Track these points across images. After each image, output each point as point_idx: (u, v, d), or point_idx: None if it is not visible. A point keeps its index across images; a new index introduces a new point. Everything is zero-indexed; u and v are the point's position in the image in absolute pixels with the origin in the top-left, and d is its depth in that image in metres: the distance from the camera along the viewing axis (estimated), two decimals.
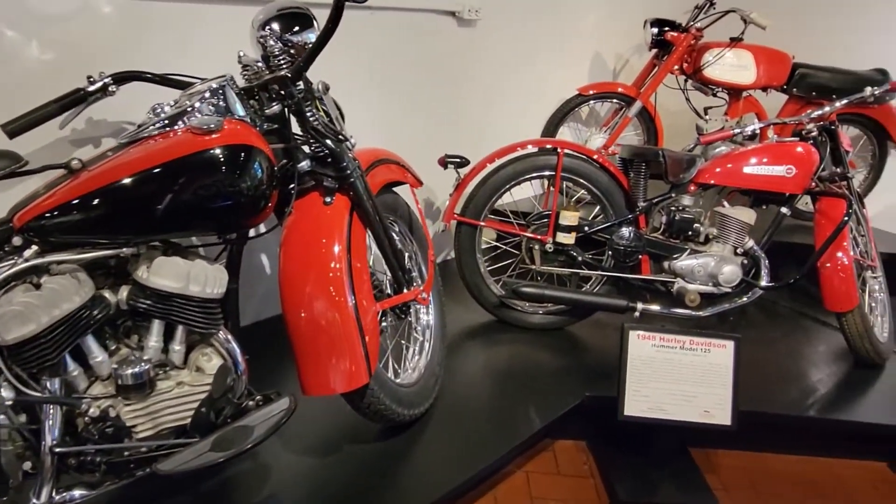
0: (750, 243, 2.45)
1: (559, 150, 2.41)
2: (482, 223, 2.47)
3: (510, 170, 2.44)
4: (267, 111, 1.55)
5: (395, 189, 2.02)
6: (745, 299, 2.43)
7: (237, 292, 1.58)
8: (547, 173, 2.44)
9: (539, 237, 2.44)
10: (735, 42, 3.03)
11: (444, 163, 2.43)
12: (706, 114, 3.21)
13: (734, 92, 3.19)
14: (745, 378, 2.31)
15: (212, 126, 1.33)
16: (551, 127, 3.24)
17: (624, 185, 2.45)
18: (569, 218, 2.38)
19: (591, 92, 3.16)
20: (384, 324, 1.85)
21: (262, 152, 1.41)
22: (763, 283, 2.40)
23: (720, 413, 2.01)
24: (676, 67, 3.15)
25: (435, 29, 2.73)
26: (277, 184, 1.50)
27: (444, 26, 2.76)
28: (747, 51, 3.06)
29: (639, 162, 2.41)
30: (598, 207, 2.52)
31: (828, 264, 2.40)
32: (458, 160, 2.43)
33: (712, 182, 2.41)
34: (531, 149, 2.46)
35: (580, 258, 2.45)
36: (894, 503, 2.19)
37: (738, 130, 2.45)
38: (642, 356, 2.02)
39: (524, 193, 2.85)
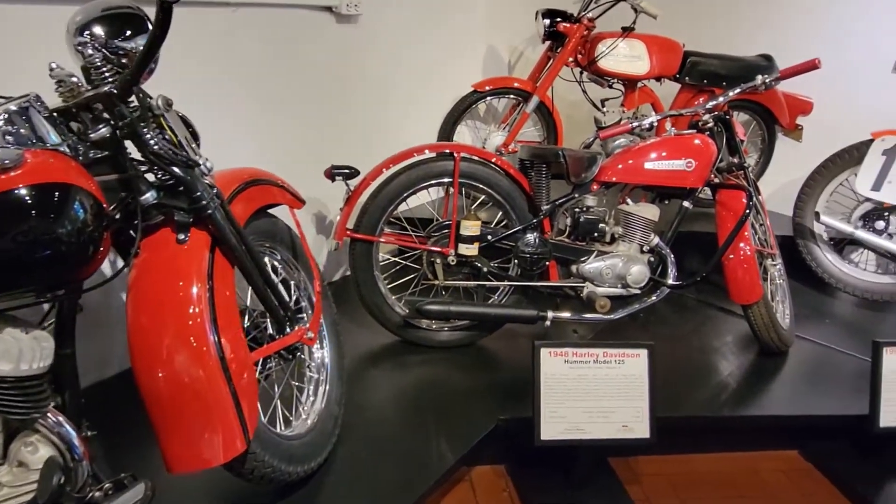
0: (655, 240, 2.38)
1: (455, 154, 2.24)
2: (378, 238, 2.26)
3: (404, 178, 2.24)
4: (93, 136, 1.26)
5: (273, 212, 1.78)
6: (654, 298, 2.36)
7: (73, 357, 1.29)
8: (445, 180, 2.27)
9: (440, 249, 2.27)
10: (627, 32, 2.97)
11: (330, 175, 2.20)
12: (603, 106, 3.15)
13: (629, 83, 3.14)
14: (661, 380, 2.25)
15: (7, 162, 1.05)
16: (448, 127, 3.08)
17: (525, 187, 2.32)
18: (470, 228, 2.21)
19: (486, 88, 3.02)
20: (270, 366, 1.61)
21: (82, 189, 1.14)
22: (670, 281, 2.35)
23: (639, 426, 1.92)
24: (571, 59, 3.06)
25: (311, 26, 2.48)
26: (111, 223, 1.23)
27: (321, 23, 2.51)
28: (639, 40, 3.01)
29: (539, 163, 2.28)
30: (501, 212, 2.38)
31: (731, 256, 2.37)
32: (346, 171, 2.21)
33: (614, 180, 2.32)
34: (427, 154, 2.28)
35: (485, 269, 2.30)
36: (805, 489, 2.20)
37: (635, 123, 2.38)
38: (555, 374, 1.89)
39: (424, 199, 2.67)
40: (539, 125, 3.29)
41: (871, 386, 2.08)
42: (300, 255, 1.87)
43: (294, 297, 1.80)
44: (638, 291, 2.32)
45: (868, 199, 2.90)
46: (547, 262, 2.30)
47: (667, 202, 2.46)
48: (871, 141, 2.86)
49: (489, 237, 2.27)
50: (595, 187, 2.36)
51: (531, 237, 2.27)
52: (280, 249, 1.81)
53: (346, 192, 2.24)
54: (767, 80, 2.32)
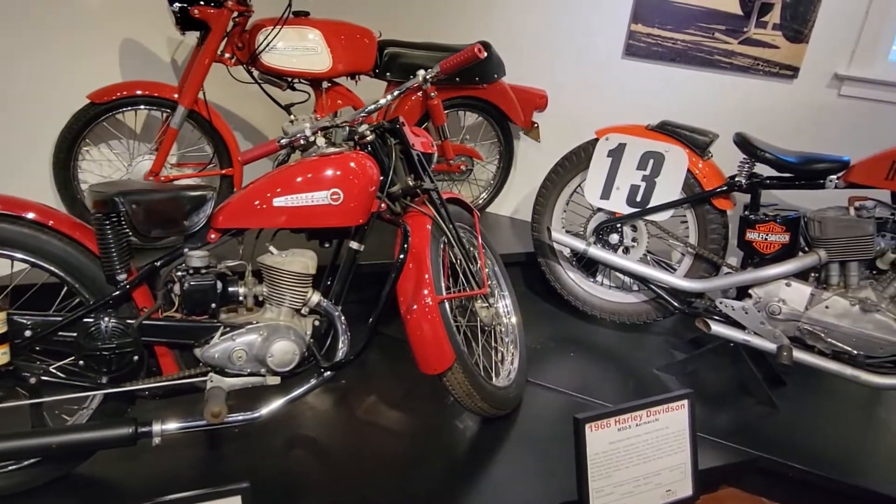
0: (316, 298, 1.74)
1: None
2: None
3: None
4: None
5: None
6: (311, 384, 1.72)
7: None
8: None
9: None
10: (289, 18, 2.29)
11: None
12: (290, 113, 2.47)
13: (314, 82, 2.48)
14: None
15: None
16: (62, 154, 2.23)
17: (94, 250, 1.56)
18: None
19: (108, 98, 2.20)
20: None
21: None
22: (339, 356, 1.72)
23: None
24: (229, 56, 2.33)
25: None
26: None
27: None
28: (314, 28, 2.34)
29: (102, 212, 1.53)
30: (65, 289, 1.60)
31: (414, 307, 1.79)
32: None
33: (232, 226, 1.64)
34: None
35: (33, 380, 1.51)
36: None
37: (284, 142, 1.72)
38: None
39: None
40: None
41: (577, 473, 1.57)
42: None
43: None
44: (278, 381, 1.66)
45: (600, 209, 2.47)
46: (135, 357, 1.56)
47: (328, 245, 1.83)
48: (597, 140, 2.43)
49: (27, 333, 1.49)
50: (214, 237, 1.66)
51: (103, 324, 1.52)
52: None
53: None
54: (429, 76, 1.75)
